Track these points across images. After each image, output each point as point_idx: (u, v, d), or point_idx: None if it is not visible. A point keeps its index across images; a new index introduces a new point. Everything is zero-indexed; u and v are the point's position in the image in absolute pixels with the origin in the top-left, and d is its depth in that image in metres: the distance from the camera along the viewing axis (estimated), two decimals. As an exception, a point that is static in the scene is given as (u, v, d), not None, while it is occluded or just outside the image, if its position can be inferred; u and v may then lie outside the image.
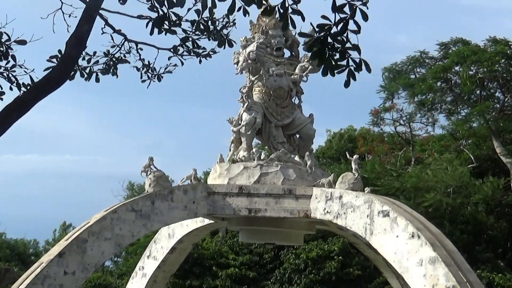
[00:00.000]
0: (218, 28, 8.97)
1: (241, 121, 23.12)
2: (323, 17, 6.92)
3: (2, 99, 8.92)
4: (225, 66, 24.65)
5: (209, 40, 9.22)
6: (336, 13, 7.04)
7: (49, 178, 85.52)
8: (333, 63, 7.26)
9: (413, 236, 19.28)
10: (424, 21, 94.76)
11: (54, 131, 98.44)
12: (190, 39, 8.86)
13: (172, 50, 8.89)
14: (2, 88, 9.82)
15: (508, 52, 31.26)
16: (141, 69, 9.00)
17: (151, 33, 8.84)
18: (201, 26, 8.72)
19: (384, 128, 43.69)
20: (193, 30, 8.85)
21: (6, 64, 8.96)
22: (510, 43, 31.44)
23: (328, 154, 39.84)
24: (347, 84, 7.58)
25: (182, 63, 8.93)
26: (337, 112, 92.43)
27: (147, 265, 26.93)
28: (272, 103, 23.36)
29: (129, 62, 9.67)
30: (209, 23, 8.85)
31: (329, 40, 7.21)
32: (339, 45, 7.15)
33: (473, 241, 30.38)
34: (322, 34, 7.15)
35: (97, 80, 9.89)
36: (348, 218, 20.86)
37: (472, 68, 33.25)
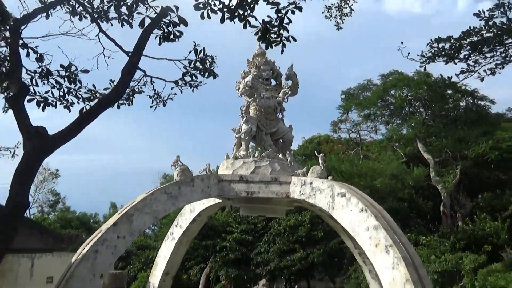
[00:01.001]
0: (207, 66, 9.07)
1: (241, 130, 23.35)
2: (268, 16, 7.57)
3: (70, 111, 8.97)
4: (231, 91, 24.81)
5: (200, 74, 9.36)
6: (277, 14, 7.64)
7: (106, 171, 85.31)
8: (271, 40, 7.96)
9: (362, 210, 19.52)
10: (371, 59, 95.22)
11: (108, 138, 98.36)
12: (189, 73, 9.03)
13: (175, 82, 8.98)
14: (71, 103, 9.92)
15: (429, 81, 31.64)
16: (152, 97, 9.13)
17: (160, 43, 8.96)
18: (197, 64, 8.83)
19: (341, 135, 44.33)
20: (191, 67, 8.96)
21: (75, 86, 9.00)
22: (430, 74, 31.78)
23: (303, 153, 40.17)
24: (282, 52, 8.79)
25: (181, 92, 9.16)
26: (309, 123, 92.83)
27: (175, 231, 27.07)
28: (263, 117, 23.62)
29: (143, 92, 9.69)
30: (201, 62, 8.95)
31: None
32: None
33: (407, 213, 30.68)
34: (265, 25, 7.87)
35: (130, 104, 9.87)
36: (316, 198, 21.07)
37: (403, 91, 33.64)
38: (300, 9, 8.27)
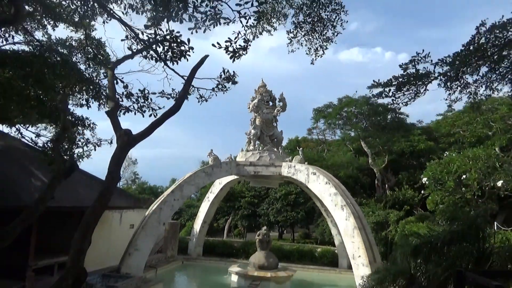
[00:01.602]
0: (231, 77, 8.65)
1: (251, 133, 23.40)
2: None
3: (143, 116, 8.71)
4: (245, 107, 24.75)
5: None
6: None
7: (167, 159, 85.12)
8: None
9: (326, 183, 19.51)
10: (332, 88, 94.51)
11: (168, 137, 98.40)
12: (221, 84, 8.61)
13: (212, 89, 8.60)
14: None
15: (368, 102, 31.63)
16: (199, 98, 8.67)
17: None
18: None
19: (313, 136, 44.10)
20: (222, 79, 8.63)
21: (148, 103, 8.65)
22: (369, 98, 31.85)
23: (289, 147, 40.11)
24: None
25: (216, 95, 8.72)
26: (292, 129, 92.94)
27: (209, 196, 27.13)
28: (264, 125, 23.59)
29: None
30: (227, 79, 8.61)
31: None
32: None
33: (354, 185, 30.54)
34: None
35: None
36: (298, 175, 21.09)
37: (352, 109, 33.50)
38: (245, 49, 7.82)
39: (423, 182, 21.76)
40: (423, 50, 7.99)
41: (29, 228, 12.94)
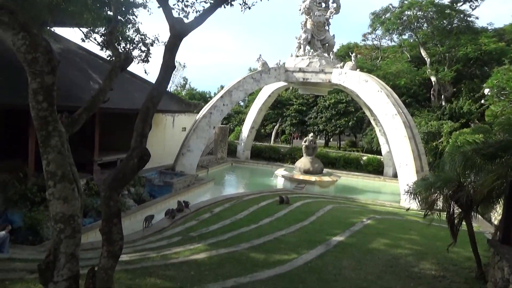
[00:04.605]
0: None
1: (301, 37, 22.48)
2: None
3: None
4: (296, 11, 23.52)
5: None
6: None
7: (216, 65, 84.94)
8: None
9: (378, 91, 18.92)
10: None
11: (217, 44, 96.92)
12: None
13: None
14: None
15: (433, 2, 28.51)
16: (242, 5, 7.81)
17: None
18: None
19: (367, 43, 41.27)
20: None
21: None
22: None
23: (340, 54, 38.26)
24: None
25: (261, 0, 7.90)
26: (346, 35, 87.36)
27: (257, 102, 27.43)
28: (315, 29, 22.44)
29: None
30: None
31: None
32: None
33: (407, 95, 29.22)
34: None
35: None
36: (349, 83, 20.53)
37: (414, 11, 30.37)
38: None
39: (485, 93, 20.33)
40: None
41: (93, 129, 14.15)
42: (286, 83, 24.14)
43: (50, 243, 3.92)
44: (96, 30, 9.59)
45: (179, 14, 7.81)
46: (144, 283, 6.01)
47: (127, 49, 9.07)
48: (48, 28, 9.58)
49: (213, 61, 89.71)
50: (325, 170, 21.34)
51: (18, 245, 8.83)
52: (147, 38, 9.64)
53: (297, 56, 22.53)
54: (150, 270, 6.59)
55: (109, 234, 3.38)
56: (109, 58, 9.48)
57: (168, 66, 3.98)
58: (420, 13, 30.62)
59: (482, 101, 22.21)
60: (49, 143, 3.11)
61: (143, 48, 9.51)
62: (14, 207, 10.27)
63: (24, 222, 9.72)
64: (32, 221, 9.66)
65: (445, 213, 7.58)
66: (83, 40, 9.96)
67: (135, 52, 9.45)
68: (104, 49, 9.32)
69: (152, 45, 9.45)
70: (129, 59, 5.80)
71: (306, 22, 22.39)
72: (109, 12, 9.17)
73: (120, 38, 9.22)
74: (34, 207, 10.30)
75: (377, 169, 24.59)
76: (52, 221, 3.14)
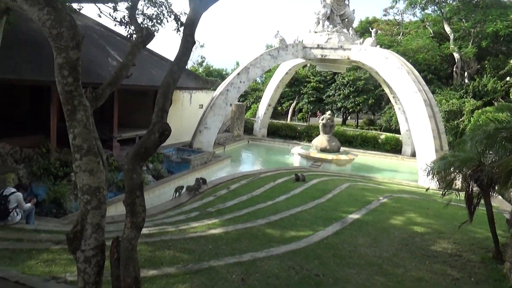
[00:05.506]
0: None
1: (320, 12, 22.00)
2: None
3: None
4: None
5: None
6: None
7: (232, 42, 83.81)
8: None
9: (398, 68, 18.54)
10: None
11: (235, 22, 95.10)
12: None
13: None
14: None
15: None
16: None
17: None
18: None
19: (389, 18, 39.93)
20: None
21: None
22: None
23: (359, 29, 37.17)
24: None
25: None
26: (365, 9, 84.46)
27: (274, 80, 27.22)
28: (335, 3, 21.94)
29: None
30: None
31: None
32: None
33: (428, 72, 28.42)
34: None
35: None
36: (368, 60, 20.14)
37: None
38: None
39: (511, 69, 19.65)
40: None
41: (112, 106, 14.38)
42: (303, 60, 23.83)
43: (77, 214, 4.10)
44: (115, 6, 9.59)
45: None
46: (164, 255, 6.24)
47: (147, 25, 9.14)
48: (68, 4, 9.61)
49: (230, 37, 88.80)
50: (342, 149, 21.26)
51: (42, 217, 9.20)
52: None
53: (315, 32, 22.14)
54: (169, 243, 6.82)
55: (132, 205, 3.52)
56: (128, 35, 9.53)
57: (188, 41, 4.00)
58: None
59: (508, 79, 21.53)
60: (75, 117, 3.22)
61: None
62: (39, 181, 10.64)
63: (48, 195, 10.10)
64: (56, 194, 10.03)
65: (464, 192, 7.55)
66: (99, 16, 10.02)
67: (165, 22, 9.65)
68: (124, 25, 9.35)
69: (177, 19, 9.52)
70: (151, 34, 5.83)
71: (325, -4, 21.90)
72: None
73: (142, 13, 9.30)
74: (57, 181, 10.68)
75: (395, 148, 24.34)
76: (79, 193, 3.28)
